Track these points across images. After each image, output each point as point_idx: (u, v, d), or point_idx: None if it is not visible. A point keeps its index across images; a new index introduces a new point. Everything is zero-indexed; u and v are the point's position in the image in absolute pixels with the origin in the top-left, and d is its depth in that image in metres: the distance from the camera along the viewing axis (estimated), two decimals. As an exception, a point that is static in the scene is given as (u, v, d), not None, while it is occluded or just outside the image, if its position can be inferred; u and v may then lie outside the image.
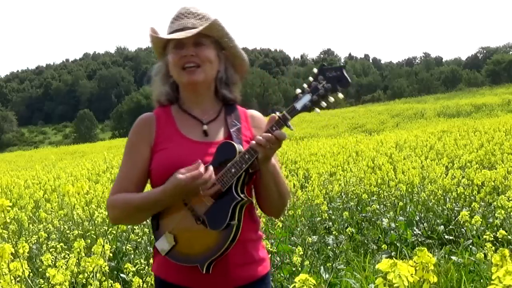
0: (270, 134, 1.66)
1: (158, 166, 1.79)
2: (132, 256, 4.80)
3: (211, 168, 1.70)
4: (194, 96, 1.87)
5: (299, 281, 1.30)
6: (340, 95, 1.68)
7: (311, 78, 1.70)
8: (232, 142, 1.75)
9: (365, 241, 6.01)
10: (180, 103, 1.90)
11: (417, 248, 1.30)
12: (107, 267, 2.50)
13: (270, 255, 4.48)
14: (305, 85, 1.71)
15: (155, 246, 1.81)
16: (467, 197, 6.99)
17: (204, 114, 1.87)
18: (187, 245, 1.74)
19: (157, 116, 1.88)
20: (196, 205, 1.72)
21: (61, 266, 3.44)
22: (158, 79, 1.91)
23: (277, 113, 1.70)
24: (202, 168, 1.67)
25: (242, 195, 1.71)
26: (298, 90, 1.70)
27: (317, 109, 1.70)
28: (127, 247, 4.87)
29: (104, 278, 2.60)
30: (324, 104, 1.70)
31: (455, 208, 6.63)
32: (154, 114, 1.89)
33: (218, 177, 1.70)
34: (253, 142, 1.68)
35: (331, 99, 1.69)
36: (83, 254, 2.53)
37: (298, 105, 1.69)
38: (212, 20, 1.80)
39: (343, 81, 1.67)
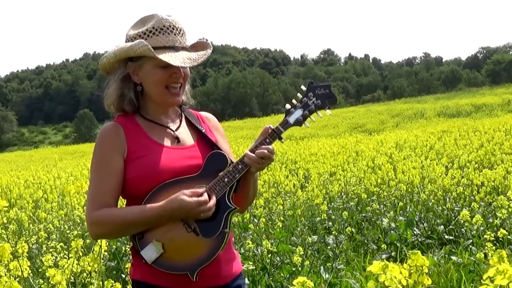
0: (264, 151, 1.74)
1: (139, 174, 1.74)
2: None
3: (214, 197, 1.72)
4: (163, 109, 1.88)
5: (297, 283, 1.29)
6: (328, 111, 1.85)
7: (299, 95, 1.84)
8: (222, 151, 1.81)
9: (365, 241, 6.01)
10: (143, 113, 1.87)
11: (410, 251, 1.30)
12: (103, 267, 2.50)
13: (270, 255, 4.48)
14: (294, 101, 1.84)
15: (133, 253, 1.80)
16: (467, 197, 7.00)
17: (169, 122, 1.89)
18: (176, 253, 1.71)
19: (123, 124, 1.83)
20: None
21: (63, 266, 3.44)
22: (120, 83, 1.84)
23: (271, 126, 1.82)
24: (206, 195, 1.69)
25: (234, 204, 1.76)
26: (288, 106, 1.84)
27: (307, 124, 1.85)
28: (127, 247, 4.87)
29: (98, 277, 2.60)
30: (313, 119, 1.86)
31: (455, 208, 6.63)
32: (119, 123, 1.84)
33: (210, 186, 1.73)
34: (248, 155, 1.74)
35: (320, 114, 1.86)
36: (81, 254, 2.51)
37: (291, 119, 1.82)
38: (209, 48, 1.86)
39: (331, 98, 1.84)
